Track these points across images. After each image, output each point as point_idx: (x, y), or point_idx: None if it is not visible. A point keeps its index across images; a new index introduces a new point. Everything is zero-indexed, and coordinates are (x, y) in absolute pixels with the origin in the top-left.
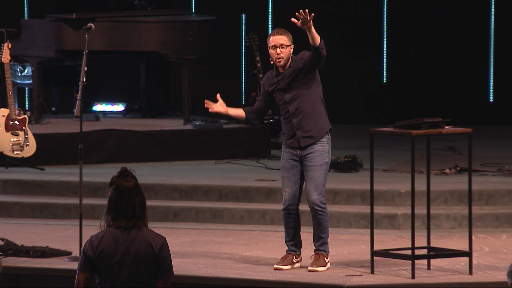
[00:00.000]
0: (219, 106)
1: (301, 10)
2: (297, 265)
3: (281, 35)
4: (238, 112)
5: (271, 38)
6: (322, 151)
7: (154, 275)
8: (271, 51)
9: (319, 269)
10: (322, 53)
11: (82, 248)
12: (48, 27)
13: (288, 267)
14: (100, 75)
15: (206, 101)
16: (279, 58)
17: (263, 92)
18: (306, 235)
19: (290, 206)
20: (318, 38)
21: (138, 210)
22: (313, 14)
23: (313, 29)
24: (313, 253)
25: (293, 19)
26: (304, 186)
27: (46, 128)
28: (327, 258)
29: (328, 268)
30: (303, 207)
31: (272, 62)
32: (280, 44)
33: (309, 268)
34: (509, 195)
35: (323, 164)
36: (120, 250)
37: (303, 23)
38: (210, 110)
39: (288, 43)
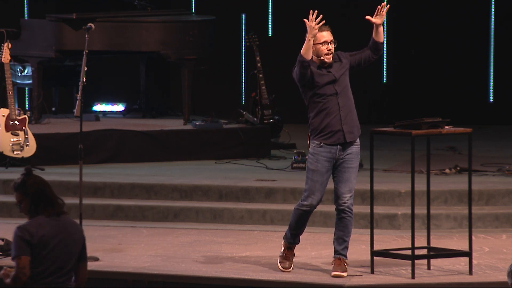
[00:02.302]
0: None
1: (383, 3)
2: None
3: (328, 30)
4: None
5: (317, 34)
6: (357, 153)
7: (78, 258)
8: (321, 47)
9: (344, 274)
10: (382, 50)
11: (16, 235)
12: (48, 27)
13: (291, 269)
14: (100, 75)
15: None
16: (329, 54)
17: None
18: (306, 235)
19: (313, 209)
20: (383, 35)
21: (58, 199)
22: (388, 5)
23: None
24: (333, 257)
25: (368, 17)
26: (337, 187)
27: (46, 128)
28: (347, 263)
29: None
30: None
31: (320, 58)
32: (331, 40)
33: (334, 273)
34: (509, 195)
35: (357, 167)
36: (58, 235)
37: (380, 19)
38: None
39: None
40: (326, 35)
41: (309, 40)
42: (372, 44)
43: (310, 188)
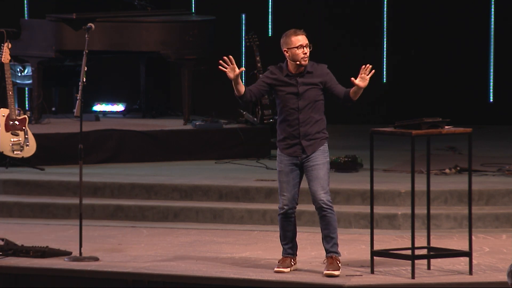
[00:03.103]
0: (233, 71)
1: (368, 65)
2: (293, 268)
3: (304, 34)
4: (242, 86)
5: (292, 38)
6: (323, 150)
7: None
8: (297, 51)
9: (336, 273)
10: (350, 104)
11: None
12: (48, 27)
13: (289, 269)
14: (100, 75)
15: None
16: (305, 58)
17: (263, 82)
18: (306, 235)
19: (289, 210)
20: (359, 96)
21: None
22: (374, 70)
23: (364, 85)
24: (325, 256)
25: (352, 79)
26: (310, 186)
27: (46, 128)
28: (339, 261)
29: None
30: (299, 207)
31: (296, 62)
32: (306, 44)
33: (325, 272)
34: (509, 195)
35: (326, 163)
36: None
37: (363, 83)
38: (227, 70)
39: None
40: (301, 39)
41: (233, 80)
42: (345, 97)
43: (280, 190)
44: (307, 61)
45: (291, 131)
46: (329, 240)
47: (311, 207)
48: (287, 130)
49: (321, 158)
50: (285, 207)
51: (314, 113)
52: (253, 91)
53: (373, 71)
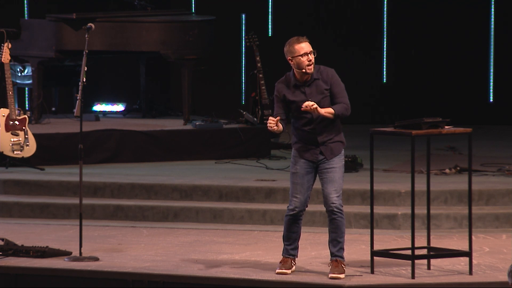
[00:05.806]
0: (278, 127)
1: (303, 106)
2: (293, 269)
3: (307, 41)
4: (281, 126)
5: (296, 46)
6: (340, 154)
7: None
8: (301, 59)
9: (341, 276)
10: (344, 117)
11: None
12: (48, 27)
13: (290, 271)
14: (100, 75)
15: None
16: (310, 65)
17: (279, 104)
18: (306, 235)
19: (300, 213)
20: (331, 115)
21: None
22: (311, 104)
23: (322, 112)
24: (330, 259)
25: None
26: (323, 188)
27: (46, 128)
28: (344, 265)
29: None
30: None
31: (302, 70)
32: (310, 51)
33: (330, 275)
34: (509, 195)
35: (341, 166)
36: None
37: (316, 114)
38: (274, 128)
39: None
40: (305, 46)
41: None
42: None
43: (292, 191)
44: (312, 69)
45: (308, 138)
46: (335, 244)
47: (312, 208)
48: (304, 137)
49: (337, 161)
50: (296, 209)
51: (330, 121)
52: (283, 118)
53: (311, 105)
